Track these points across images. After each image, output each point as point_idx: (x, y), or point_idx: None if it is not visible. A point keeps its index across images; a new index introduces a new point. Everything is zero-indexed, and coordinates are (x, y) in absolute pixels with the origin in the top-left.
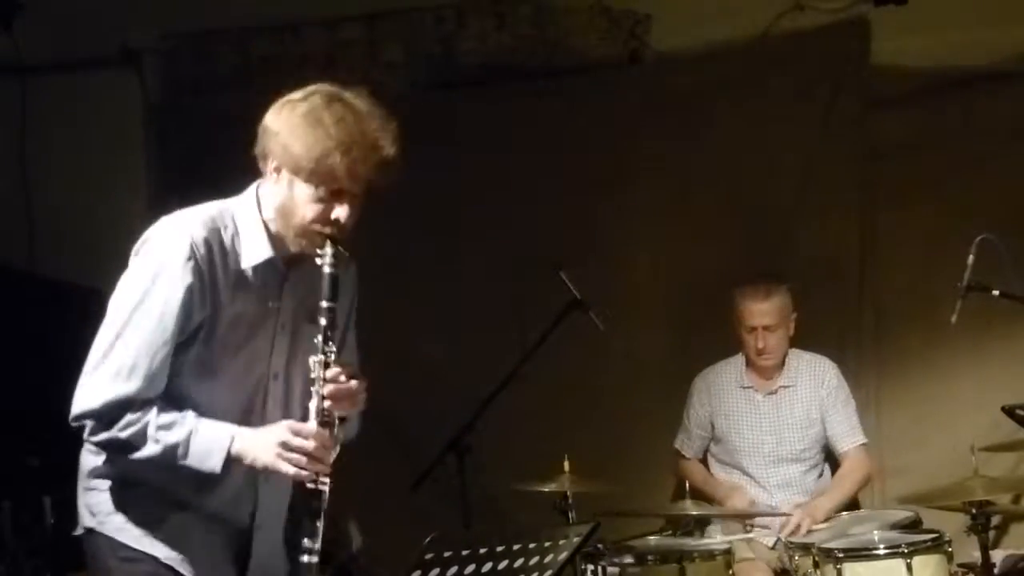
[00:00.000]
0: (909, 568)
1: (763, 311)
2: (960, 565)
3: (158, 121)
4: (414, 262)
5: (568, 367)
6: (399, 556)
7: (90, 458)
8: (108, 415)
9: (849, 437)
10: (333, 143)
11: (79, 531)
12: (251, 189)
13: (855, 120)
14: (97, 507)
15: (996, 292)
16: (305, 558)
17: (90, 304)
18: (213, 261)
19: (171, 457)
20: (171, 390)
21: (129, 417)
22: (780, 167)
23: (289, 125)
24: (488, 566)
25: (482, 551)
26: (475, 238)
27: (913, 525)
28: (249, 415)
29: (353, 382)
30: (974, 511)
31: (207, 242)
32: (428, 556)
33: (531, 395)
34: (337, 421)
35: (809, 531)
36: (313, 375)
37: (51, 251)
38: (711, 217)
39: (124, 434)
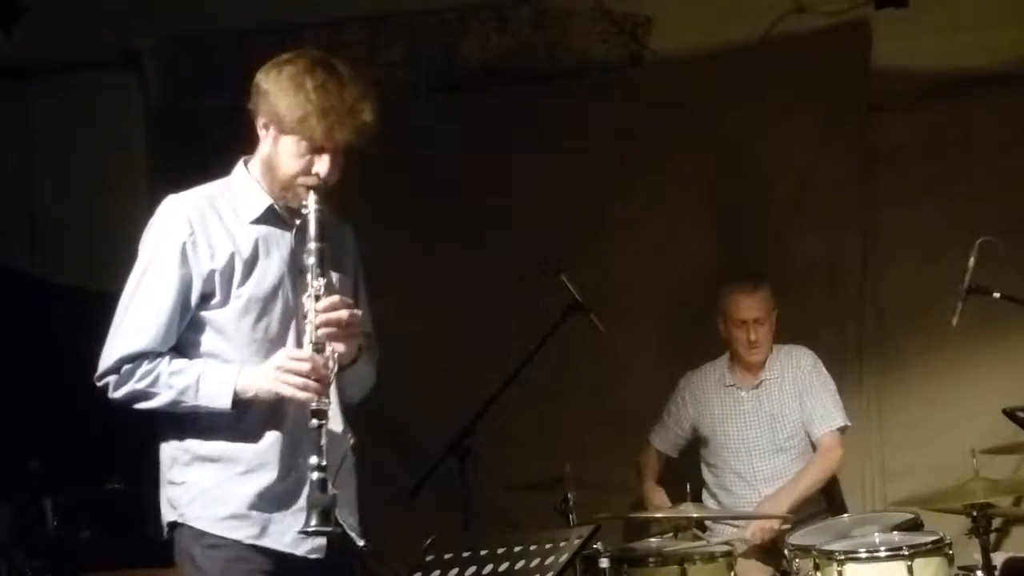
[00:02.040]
0: (910, 570)
1: (752, 304)
2: (961, 568)
3: (159, 123)
4: (414, 264)
5: (569, 369)
6: (400, 558)
7: (166, 454)
8: (124, 368)
9: (822, 423)
10: (312, 106)
11: (164, 527)
12: (239, 165)
13: (855, 122)
14: (176, 500)
15: (997, 294)
16: (315, 474)
17: (91, 306)
18: (206, 220)
19: (185, 399)
20: (220, 344)
21: (144, 368)
22: (781, 169)
23: (276, 86)
24: (489, 568)
25: (483, 553)
26: (476, 240)
27: (914, 527)
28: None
29: (344, 311)
30: (975, 513)
31: (199, 207)
32: (429, 558)
33: (532, 397)
34: (334, 352)
35: (780, 529)
36: (305, 309)
37: (52, 253)
38: (712, 220)
39: (141, 384)
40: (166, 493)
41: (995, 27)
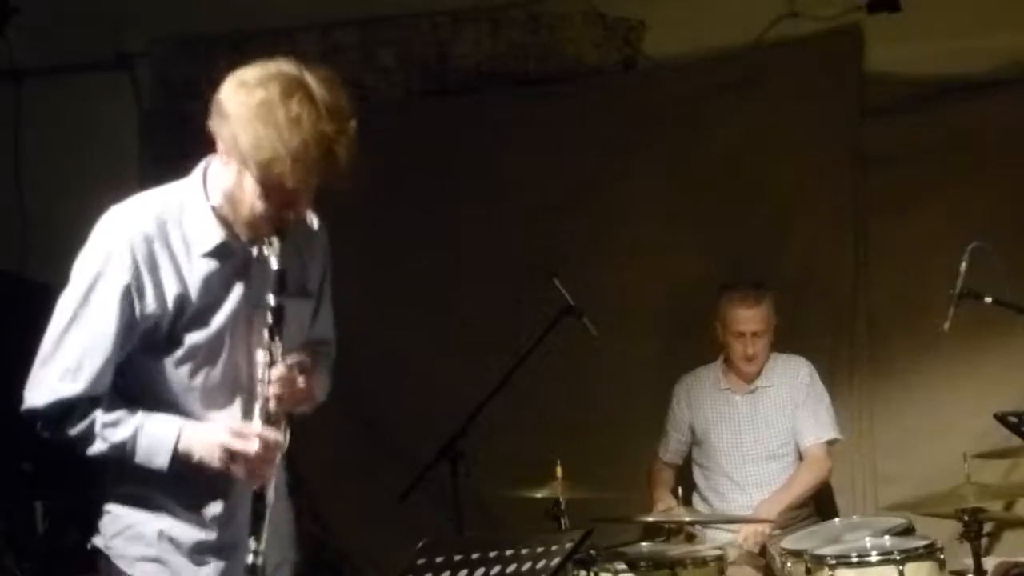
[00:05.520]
0: (901, 575)
1: (753, 317)
2: (952, 572)
3: (151, 125)
4: (408, 268)
5: (561, 373)
6: (391, 561)
7: (102, 473)
8: (54, 414)
9: (811, 434)
10: (284, 150)
11: (90, 546)
12: (199, 170)
13: (848, 127)
14: (104, 527)
15: (989, 300)
16: (250, 559)
17: None
18: (154, 257)
19: (120, 453)
20: (153, 387)
21: (75, 416)
22: (773, 174)
23: (240, 114)
24: (480, 572)
25: (474, 557)
26: (468, 244)
27: (905, 532)
28: (244, 406)
29: (300, 379)
30: (966, 518)
31: (146, 240)
32: (420, 561)
33: (524, 401)
34: (283, 420)
35: (769, 534)
36: (259, 375)
37: (43, 255)
38: (705, 224)
39: (72, 432)
40: (99, 514)
41: (988, 32)
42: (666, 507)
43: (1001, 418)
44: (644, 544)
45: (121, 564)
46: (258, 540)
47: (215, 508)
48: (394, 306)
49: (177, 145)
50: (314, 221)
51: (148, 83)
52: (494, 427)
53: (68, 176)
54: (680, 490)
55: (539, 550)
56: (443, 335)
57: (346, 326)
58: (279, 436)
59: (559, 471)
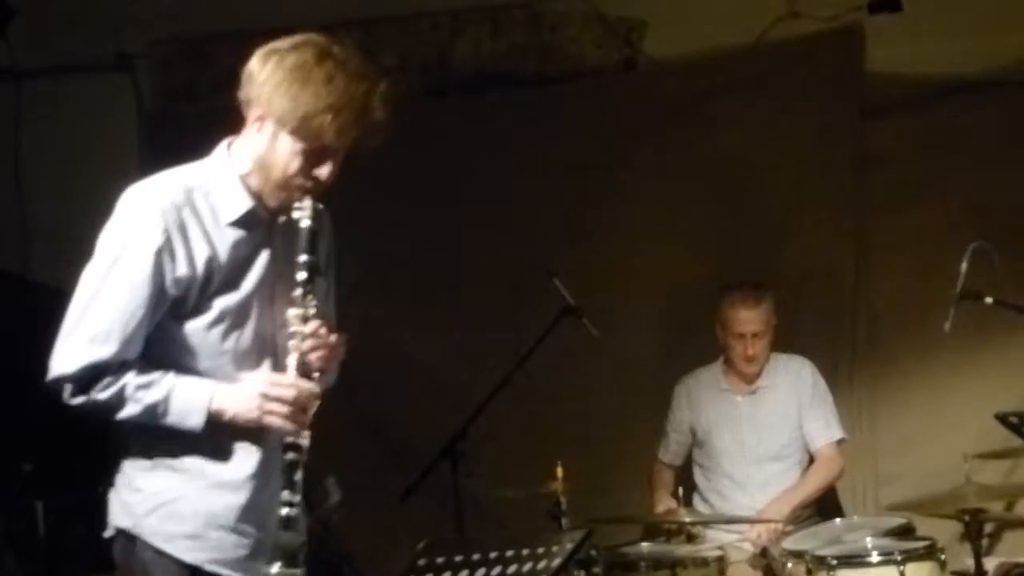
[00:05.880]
0: (902, 575)
1: (753, 318)
2: (953, 573)
3: (152, 126)
4: (409, 268)
5: (561, 373)
6: (392, 561)
7: (125, 452)
8: (84, 378)
9: (822, 435)
10: (322, 104)
11: (110, 532)
12: (221, 148)
13: (849, 127)
14: (132, 507)
15: (990, 300)
16: (284, 511)
17: None
18: (184, 223)
19: (151, 416)
20: (185, 354)
21: (107, 379)
22: (774, 174)
23: (275, 78)
24: (481, 572)
25: (475, 557)
26: (469, 244)
27: (906, 532)
28: (271, 368)
29: (332, 336)
30: (967, 518)
31: (175, 206)
32: (421, 562)
33: (524, 401)
34: (316, 375)
35: (781, 533)
36: (292, 329)
37: (45, 256)
38: (705, 224)
39: (103, 396)
40: (120, 495)
41: (989, 32)
42: (666, 508)
43: (1002, 418)
44: (644, 544)
45: (155, 541)
46: (293, 491)
47: (248, 467)
48: (395, 306)
49: (177, 144)
50: (318, 205)
51: (148, 84)
52: (495, 427)
53: (68, 176)
54: (680, 491)
55: (540, 550)
56: (443, 335)
57: (346, 326)
58: (314, 387)
59: (559, 471)
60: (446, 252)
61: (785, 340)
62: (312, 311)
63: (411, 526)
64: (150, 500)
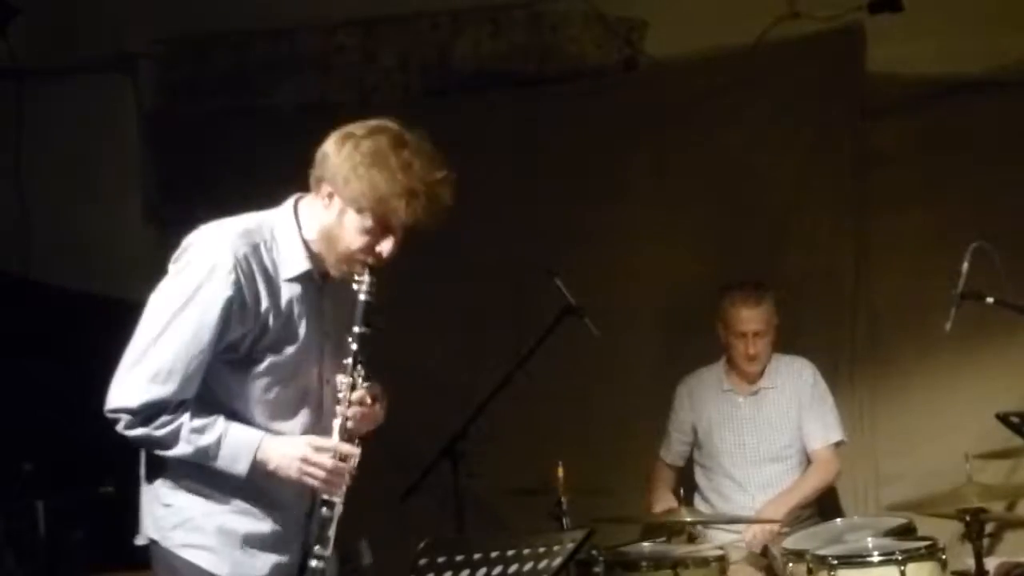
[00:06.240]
0: (903, 575)
1: (754, 317)
2: (954, 572)
3: (153, 125)
4: (409, 269)
5: (562, 373)
6: (393, 561)
7: (154, 466)
8: (144, 414)
9: (819, 437)
10: (399, 189)
11: (142, 540)
12: (288, 204)
13: (849, 127)
14: (161, 521)
15: (990, 300)
16: (314, 563)
17: (84, 309)
18: (253, 275)
19: (202, 458)
20: (223, 393)
21: (164, 418)
22: (774, 174)
23: (352, 162)
24: (482, 572)
25: (476, 557)
26: (470, 244)
27: (907, 532)
28: (307, 420)
29: (377, 405)
30: (968, 518)
31: (247, 257)
32: (422, 561)
33: (525, 401)
34: (357, 438)
35: (777, 534)
36: (340, 394)
37: (46, 255)
38: (706, 224)
39: (159, 433)
40: (152, 509)
41: (989, 32)
42: (666, 507)
43: (1003, 418)
44: (645, 544)
45: (179, 551)
46: (323, 546)
47: (276, 500)
48: (394, 306)
49: (178, 144)
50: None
51: (149, 83)
52: (495, 427)
53: (70, 176)
54: (681, 491)
55: (540, 550)
56: (444, 335)
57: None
58: (354, 451)
59: (560, 471)
60: (445, 251)
61: (786, 340)
62: (360, 380)
63: (412, 526)
64: (179, 514)
